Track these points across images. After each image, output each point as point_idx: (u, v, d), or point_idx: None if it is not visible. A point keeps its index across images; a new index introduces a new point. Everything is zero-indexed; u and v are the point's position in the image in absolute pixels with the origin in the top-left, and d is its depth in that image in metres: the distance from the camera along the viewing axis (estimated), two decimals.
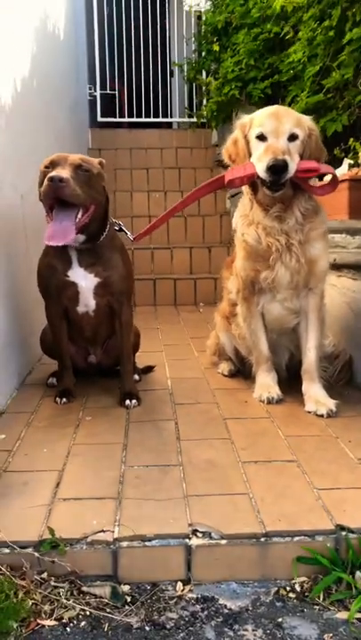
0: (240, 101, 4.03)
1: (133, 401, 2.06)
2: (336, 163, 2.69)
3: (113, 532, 1.26)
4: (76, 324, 2.10)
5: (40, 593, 1.17)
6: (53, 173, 1.77)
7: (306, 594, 1.20)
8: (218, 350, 2.51)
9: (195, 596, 1.20)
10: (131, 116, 6.42)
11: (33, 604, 1.14)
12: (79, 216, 1.86)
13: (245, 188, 2.02)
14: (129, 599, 1.19)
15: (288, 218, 1.93)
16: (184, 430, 1.83)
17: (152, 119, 6.35)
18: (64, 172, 1.79)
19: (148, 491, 1.43)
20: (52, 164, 1.85)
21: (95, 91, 6.01)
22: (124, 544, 1.24)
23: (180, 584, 1.23)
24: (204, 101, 5.03)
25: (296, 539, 1.25)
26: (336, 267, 2.40)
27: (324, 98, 2.87)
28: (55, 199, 1.81)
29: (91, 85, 5.93)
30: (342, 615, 1.14)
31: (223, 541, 1.25)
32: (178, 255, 4.52)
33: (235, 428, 1.85)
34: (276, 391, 2.10)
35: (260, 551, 1.24)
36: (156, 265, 4.49)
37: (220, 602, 1.19)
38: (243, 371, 2.42)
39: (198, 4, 5.22)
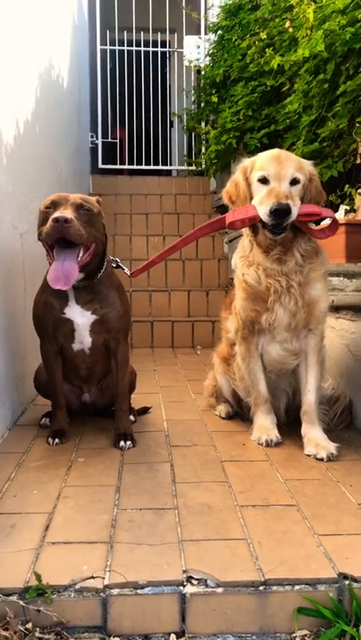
0: (238, 150, 4.14)
1: (128, 442, 2.00)
2: (332, 208, 2.74)
3: (103, 578, 1.19)
4: (71, 361, 2.07)
5: None
6: (58, 214, 1.77)
7: None
8: (215, 392, 2.47)
9: None
10: (131, 163, 6.58)
11: None
12: (81, 255, 1.85)
13: (246, 230, 2.03)
14: None
15: (288, 260, 1.93)
16: (180, 473, 1.77)
17: (152, 167, 6.50)
18: (67, 213, 1.79)
19: (141, 535, 1.37)
20: (54, 205, 1.85)
21: (97, 139, 6.18)
22: (115, 591, 1.17)
23: (173, 637, 1.15)
24: (203, 149, 5.17)
25: (296, 587, 1.19)
26: (334, 308, 2.39)
27: (319, 146, 2.94)
28: (57, 239, 1.81)
29: (93, 133, 6.10)
30: None
31: (219, 589, 1.18)
32: (176, 298, 4.53)
33: (232, 470, 1.79)
34: (274, 433, 2.05)
35: (259, 601, 1.17)
36: (153, 307, 4.50)
37: None
38: (241, 413, 2.38)
39: (198, 60, 5.43)
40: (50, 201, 1.87)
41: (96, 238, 1.90)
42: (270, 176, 1.85)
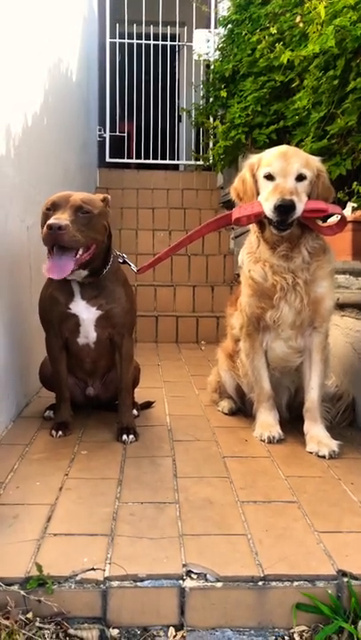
0: (246, 145, 4.13)
1: (131, 436, 2.01)
2: (340, 205, 2.72)
3: (104, 570, 1.20)
4: (76, 355, 2.08)
5: (24, 634, 1.11)
6: (52, 221, 1.75)
7: None
8: (219, 388, 2.47)
9: None
10: (138, 157, 6.56)
11: None
12: (80, 253, 1.84)
13: (253, 226, 2.03)
14: None
15: (295, 256, 1.92)
16: (182, 467, 1.78)
17: (159, 161, 6.48)
18: (63, 217, 1.77)
19: (142, 528, 1.38)
20: (54, 207, 1.84)
21: (105, 132, 6.17)
22: (115, 584, 1.18)
23: (172, 629, 1.16)
24: (210, 144, 5.16)
25: (296, 584, 1.19)
26: (340, 306, 2.39)
27: (328, 143, 2.93)
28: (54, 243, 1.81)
29: (100, 127, 6.09)
30: None
31: (219, 584, 1.19)
32: (181, 293, 4.53)
33: (234, 466, 1.80)
34: (277, 430, 2.06)
35: (258, 596, 1.18)
36: (158, 302, 4.50)
37: None
38: (243, 409, 2.38)
39: (207, 54, 5.40)
40: (50, 202, 1.86)
41: (95, 240, 1.89)
42: (276, 172, 1.84)
